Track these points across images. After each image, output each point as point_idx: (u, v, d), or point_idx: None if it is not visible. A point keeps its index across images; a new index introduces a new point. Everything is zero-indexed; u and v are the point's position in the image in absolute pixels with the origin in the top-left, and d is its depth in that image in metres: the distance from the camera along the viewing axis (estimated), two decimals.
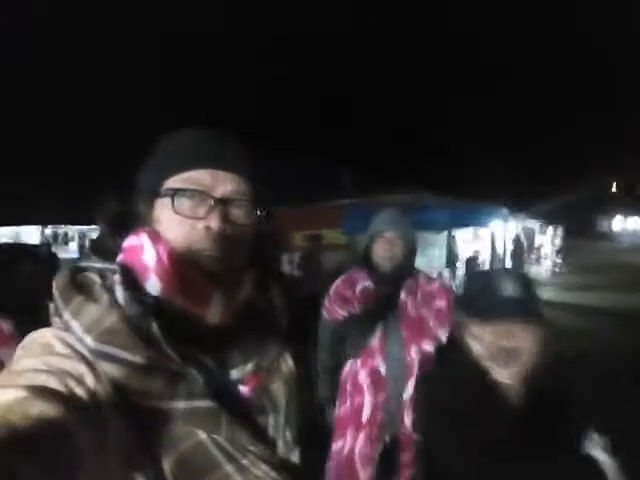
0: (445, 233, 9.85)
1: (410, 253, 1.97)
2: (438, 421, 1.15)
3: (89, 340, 0.55)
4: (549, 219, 17.26)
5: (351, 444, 1.83)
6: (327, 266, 7.65)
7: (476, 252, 10.86)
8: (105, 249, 0.66)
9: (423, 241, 9.79)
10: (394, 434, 1.82)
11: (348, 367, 1.91)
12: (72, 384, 0.51)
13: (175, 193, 0.64)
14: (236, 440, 0.61)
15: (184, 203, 0.64)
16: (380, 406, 1.82)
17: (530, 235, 14.52)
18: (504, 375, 1.12)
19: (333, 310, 2.00)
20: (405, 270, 1.94)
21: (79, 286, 0.60)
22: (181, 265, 0.62)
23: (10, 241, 14.23)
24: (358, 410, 1.85)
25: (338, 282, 2.04)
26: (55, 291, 0.60)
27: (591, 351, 5.40)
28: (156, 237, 0.64)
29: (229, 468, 0.60)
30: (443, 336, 1.72)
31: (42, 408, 0.47)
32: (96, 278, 0.61)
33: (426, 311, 1.88)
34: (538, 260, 15.13)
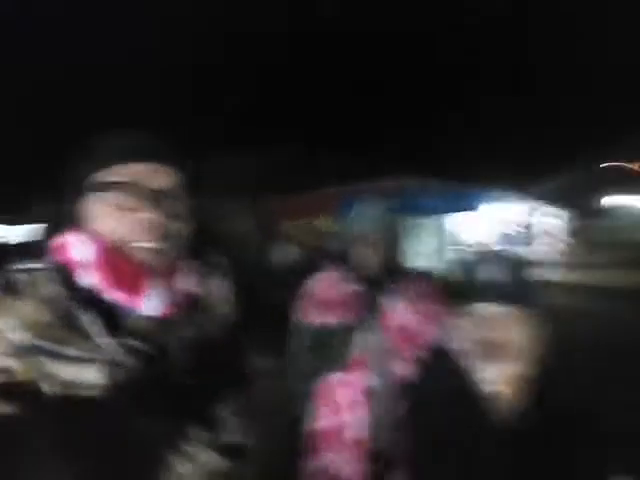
0: (439, 218, 9.71)
1: (396, 255, 1.75)
2: (423, 440, 1.05)
3: (20, 335, 0.56)
4: (547, 199, 17.03)
5: (335, 466, 1.58)
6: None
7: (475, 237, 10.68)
8: (34, 250, 0.66)
9: (416, 227, 9.80)
10: (382, 454, 1.56)
11: (326, 381, 1.62)
12: (5, 382, 0.53)
13: (108, 186, 0.64)
14: (182, 427, 0.62)
15: (117, 195, 0.64)
16: (365, 425, 1.58)
17: (530, 216, 14.32)
18: (493, 377, 0.97)
19: (308, 313, 1.73)
20: (391, 272, 1.71)
21: (5, 287, 0.60)
22: (113, 257, 0.62)
23: None
24: (339, 429, 1.60)
25: (315, 281, 1.78)
26: None
27: (601, 332, 5.19)
28: (86, 232, 0.64)
29: (177, 457, 0.61)
30: (434, 342, 1.49)
31: None
32: (24, 277, 0.61)
33: (415, 318, 1.65)
34: (537, 240, 14.92)
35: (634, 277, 9.14)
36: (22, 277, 0.61)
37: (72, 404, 0.55)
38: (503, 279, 1.00)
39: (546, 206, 16.43)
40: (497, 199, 9.56)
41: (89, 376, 0.56)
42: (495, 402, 0.98)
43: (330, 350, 1.63)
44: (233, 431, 0.71)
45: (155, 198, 0.64)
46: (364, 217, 1.76)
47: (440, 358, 1.14)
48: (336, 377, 1.62)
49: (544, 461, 0.92)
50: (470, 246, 10.35)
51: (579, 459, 0.92)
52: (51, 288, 0.60)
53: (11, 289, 0.59)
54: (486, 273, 1.03)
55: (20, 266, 0.63)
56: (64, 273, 0.62)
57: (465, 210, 10.64)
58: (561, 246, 15.62)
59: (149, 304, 0.63)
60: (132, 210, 0.63)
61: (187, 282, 0.70)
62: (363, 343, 1.62)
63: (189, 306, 0.69)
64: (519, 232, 12.23)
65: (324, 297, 1.72)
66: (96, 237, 0.63)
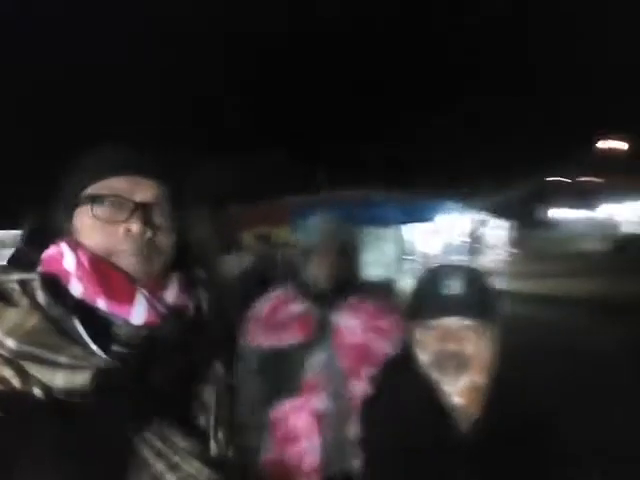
0: (395, 228, 9.87)
1: (351, 268, 1.66)
2: (382, 453, 1.03)
3: (11, 342, 0.56)
4: (498, 211, 17.72)
5: None
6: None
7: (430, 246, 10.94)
8: (25, 262, 0.68)
9: (373, 237, 9.95)
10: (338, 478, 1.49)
11: (279, 408, 1.54)
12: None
13: (94, 200, 0.66)
14: (165, 436, 0.62)
15: (104, 209, 0.66)
16: (321, 451, 1.50)
17: (478, 227, 14.83)
18: (454, 390, 0.99)
19: (256, 337, 1.62)
20: (345, 289, 1.61)
21: None
22: (102, 267, 0.64)
23: None
24: (296, 458, 1.51)
25: (263, 302, 1.68)
26: None
27: (546, 340, 5.39)
28: (75, 244, 0.67)
29: (160, 466, 0.61)
30: (390, 357, 1.44)
31: None
32: (15, 286, 0.62)
33: (370, 335, 1.57)
34: (489, 251, 15.45)
35: (576, 286, 9.63)
36: (13, 285, 0.62)
37: (63, 410, 0.56)
38: (463, 292, 1.01)
39: (494, 218, 17.10)
40: (449, 211, 9.85)
41: (80, 382, 0.57)
42: (454, 413, 0.99)
43: (281, 375, 1.54)
44: (218, 443, 0.72)
45: (140, 210, 0.66)
46: (318, 227, 1.68)
47: (397, 372, 1.13)
48: (289, 403, 1.53)
49: (502, 468, 0.93)
50: (423, 257, 10.58)
51: (534, 465, 0.94)
52: (42, 296, 0.61)
53: (2, 297, 0.61)
54: (446, 286, 1.02)
55: (10, 276, 0.64)
56: (55, 282, 0.64)
57: (419, 221, 10.89)
58: (507, 257, 16.24)
59: (137, 313, 0.65)
60: (117, 223, 0.66)
61: (173, 292, 0.72)
62: (316, 365, 1.53)
63: (175, 315, 0.71)
64: (469, 243, 12.64)
65: (273, 318, 1.62)
66: (83, 248, 0.66)
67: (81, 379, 0.57)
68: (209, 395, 0.74)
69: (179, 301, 0.73)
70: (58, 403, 0.56)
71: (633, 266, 13.18)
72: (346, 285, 1.62)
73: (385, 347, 1.52)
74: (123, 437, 0.59)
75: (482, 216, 15.25)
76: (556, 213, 38.24)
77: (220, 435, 0.72)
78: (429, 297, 1.05)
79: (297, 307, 1.61)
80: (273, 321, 1.62)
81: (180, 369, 0.69)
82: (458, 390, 0.99)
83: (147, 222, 0.66)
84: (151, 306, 0.66)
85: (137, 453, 0.59)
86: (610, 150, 31.93)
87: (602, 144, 31.94)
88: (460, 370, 0.98)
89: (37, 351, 0.56)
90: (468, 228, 12.64)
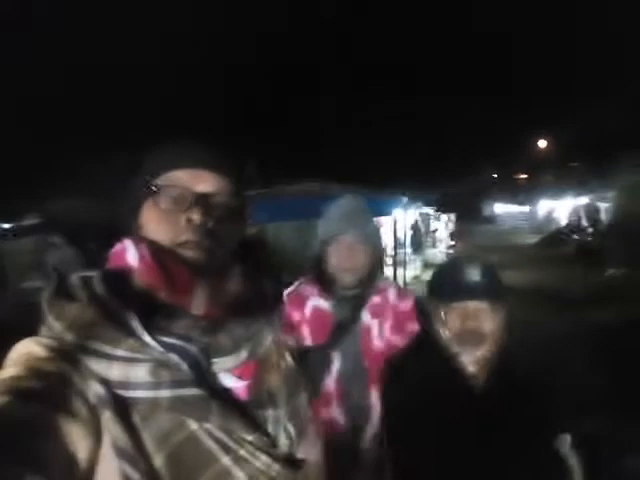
0: None
1: (376, 261, 1.52)
2: (406, 416, 1.16)
3: (70, 337, 0.56)
4: (442, 206, 18.63)
5: None
6: None
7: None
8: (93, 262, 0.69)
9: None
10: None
11: None
12: (58, 386, 0.53)
13: (156, 191, 0.67)
14: (230, 429, 0.59)
15: (165, 199, 0.67)
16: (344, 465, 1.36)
17: (426, 221, 15.49)
18: (471, 359, 1.17)
19: None
20: (369, 284, 1.48)
21: (63, 292, 0.61)
22: (163, 258, 0.64)
23: None
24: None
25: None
26: (43, 302, 0.60)
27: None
28: (139, 239, 0.66)
29: (226, 460, 0.58)
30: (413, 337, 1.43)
31: (28, 411, 0.48)
32: (78, 282, 0.62)
33: (397, 337, 1.45)
34: (434, 244, 16.22)
35: (514, 277, 10.34)
36: (75, 281, 0.63)
37: (121, 404, 0.55)
38: (480, 280, 1.18)
39: (438, 212, 17.94)
40: (394, 205, 10.26)
41: (137, 376, 0.56)
42: (470, 379, 1.18)
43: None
44: (288, 437, 0.69)
45: (201, 201, 0.67)
46: (340, 214, 1.50)
47: (420, 345, 1.29)
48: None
49: (507, 421, 1.11)
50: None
51: (533, 418, 1.14)
52: (101, 289, 0.61)
53: (65, 293, 0.61)
54: (460, 274, 1.20)
55: (78, 274, 0.65)
56: (116, 276, 0.64)
57: (374, 214, 11.18)
58: (450, 249, 17.08)
59: (196, 304, 0.65)
60: (179, 213, 0.66)
61: (234, 284, 0.72)
62: (336, 369, 1.40)
63: (235, 307, 0.70)
64: (413, 236, 13.21)
65: (293, 316, 1.49)
66: (146, 241, 0.66)
67: (138, 372, 0.56)
68: (279, 390, 0.72)
69: (240, 293, 0.72)
70: (117, 398, 0.55)
71: (563, 259, 14.37)
72: (372, 281, 1.50)
73: (403, 342, 1.42)
74: (191, 431, 0.58)
75: (428, 211, 15.96)
76: (496, 208, 40.28)
77: (291, 431, 0.70)
78: (452, 283, 1.21)
79: (319, 302, 1.49)
80: (292, 317, 1.49)
81: (249, 355, 0.67)
82: (474, 360, 1.17)
83: (208, 212, 0.66)
84: (211, 297, 0.66)
85: (201, 445, 0.58)
86: (546, 149, 33.86)
87: (540, 144, 33.81)
88: (478, 344, 1.15)
89: (94, 344, 0.56)
90: (413, 222, 13.22)
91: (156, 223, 0.67)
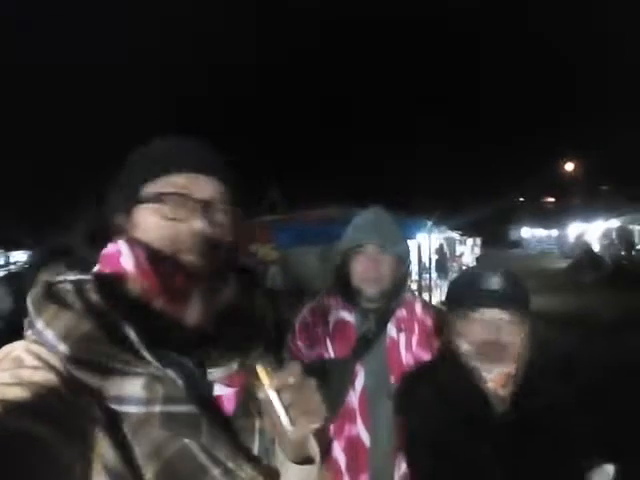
0: None
1: (402, 272, 1.45)
2: (424, 432, 1.09)
3: (64, 348, 0.54)
4: (468, 230, 18.44)
5: None
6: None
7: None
8: (80, 263, 0.65)
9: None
10: None
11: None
12: (45, 396, 0.51)
13: (156, 197, 0.65)
14: (219, 444, 0.59)
15: (165, 206, 0.65)
16: None
17: (452, 245, 15.32)
18: (492, 377, 1.06)
19: (297, 349, 1.43)
20: (395, 297, 1.42)
21: (53, 297, 0.59)
22: (160, 265, 0.62)
23: None
24: None
25: (305, 311, 1.50)
26: (29, 304, 0.59)
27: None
28: (134, 242, 0.64)
29: (216, 472, 0.58)
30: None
31: (14, 422, 0.47)
32: (70, 287, 0.60)
33: (424, 352, 1.38)
34: (459, 268, 15.98)
35: (545, 302, 10.07)
36: (68, 286, 0.60)
37: (111, 418, 0.54)
38: (500, 287, 1.09)
39: (467, 236, 17.74)
40: (419, 229, 10.20)
41: (132, 390, 0.54)
42: (490, 396, 1.07)
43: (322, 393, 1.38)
44: (270, 452, 0.69)
45: (201, 208, 0.65)
46: (364, 224, 1.46)
47: (438, 359, 1.21)
48: (329, 431, 1.31)
49: (533, 447, 1.01)
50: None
51: (561, 450, 1.02)
52: (97, 299, 0.59)
53: (57, 298, 0.59)
54: (479, 282, 1.11)
55: (66, 277, 0.62)
56: (110, 282, 0.61)
57: None
58: None
59: (192, 313, 0.63)
60: (179, 220, 0.64)
61: (230, 292, 0.70)
62: (364, 383, 1.34)
63: (231, 316, 0.69)
64: (445, 259, 13.05)
65: (316, 329, 1.44)
66: (142, 245, 0.63)
67: (133, 386, 0.54)
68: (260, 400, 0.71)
69: (236, 302, 0.71)
70: (108, 412, 0.54)
71: (596, 283, 13.92)
72: (398, 293, 1.43)
73: (426, 355, 1.38)
74: (181, 443, 0.57)
75: (454, 235, 15.80)
76: (523, 232, 39.62)
77: (269, 443, 0.69)
78: (470, 291, 1.11)
79: (343, 315, 1.43)
80: (316, 330, 1.43)
81: (239, 365, 0.68)
82: (493, 377, 1.06)
83: (208, 220, 0.65)
84: (205, 306, 0.64)
85: (193, 458, 0.57)
86: (573, 172, 33.37)
87: (567, 166, 33.34)
88: (498, 359, 1.05)
89: (89, 357, 0.54)
90: (438, 246, 13.08)
91: (154, 228, 0.65)
